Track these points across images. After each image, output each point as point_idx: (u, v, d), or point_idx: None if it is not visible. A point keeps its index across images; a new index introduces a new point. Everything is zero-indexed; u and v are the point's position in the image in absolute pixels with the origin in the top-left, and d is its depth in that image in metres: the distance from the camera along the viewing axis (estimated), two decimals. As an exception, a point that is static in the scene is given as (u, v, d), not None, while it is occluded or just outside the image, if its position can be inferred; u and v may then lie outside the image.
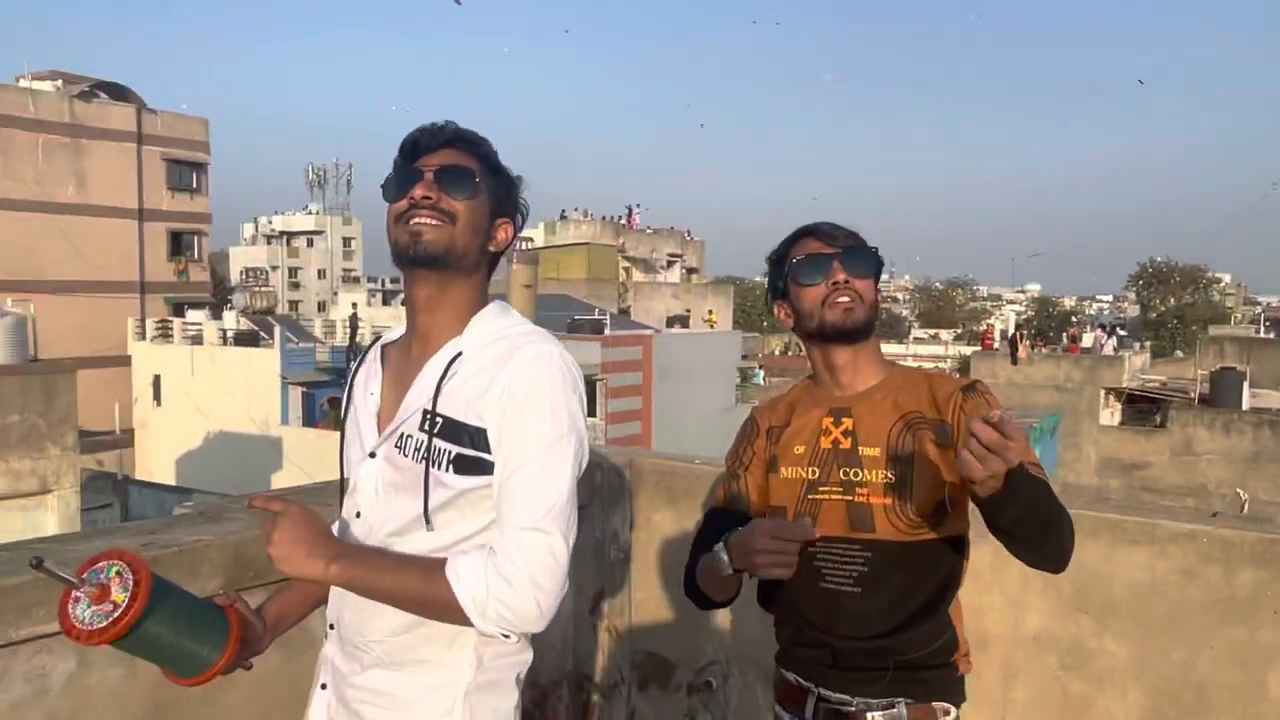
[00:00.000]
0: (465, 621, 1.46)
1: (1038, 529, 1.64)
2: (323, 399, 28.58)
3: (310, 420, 27.83)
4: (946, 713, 1.80)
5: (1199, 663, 2.37)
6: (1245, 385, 26.87)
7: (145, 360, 30.33)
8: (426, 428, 1.54)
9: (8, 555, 2.09)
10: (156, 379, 29.97)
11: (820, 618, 1.82)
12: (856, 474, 1.80)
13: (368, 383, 1.70)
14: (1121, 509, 2.55)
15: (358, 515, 1.63)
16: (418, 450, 1.55)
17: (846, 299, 1.81)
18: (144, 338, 30.74)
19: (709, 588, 1.90)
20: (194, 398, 28.31)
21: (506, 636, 1.49)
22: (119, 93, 35.44)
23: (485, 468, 1.52)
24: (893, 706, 1.78)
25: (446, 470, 1.53)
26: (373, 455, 1.62)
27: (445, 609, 1.47)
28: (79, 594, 1.39)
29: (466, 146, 1.61)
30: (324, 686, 1.69)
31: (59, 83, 34.20)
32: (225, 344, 29.67)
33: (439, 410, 1.54)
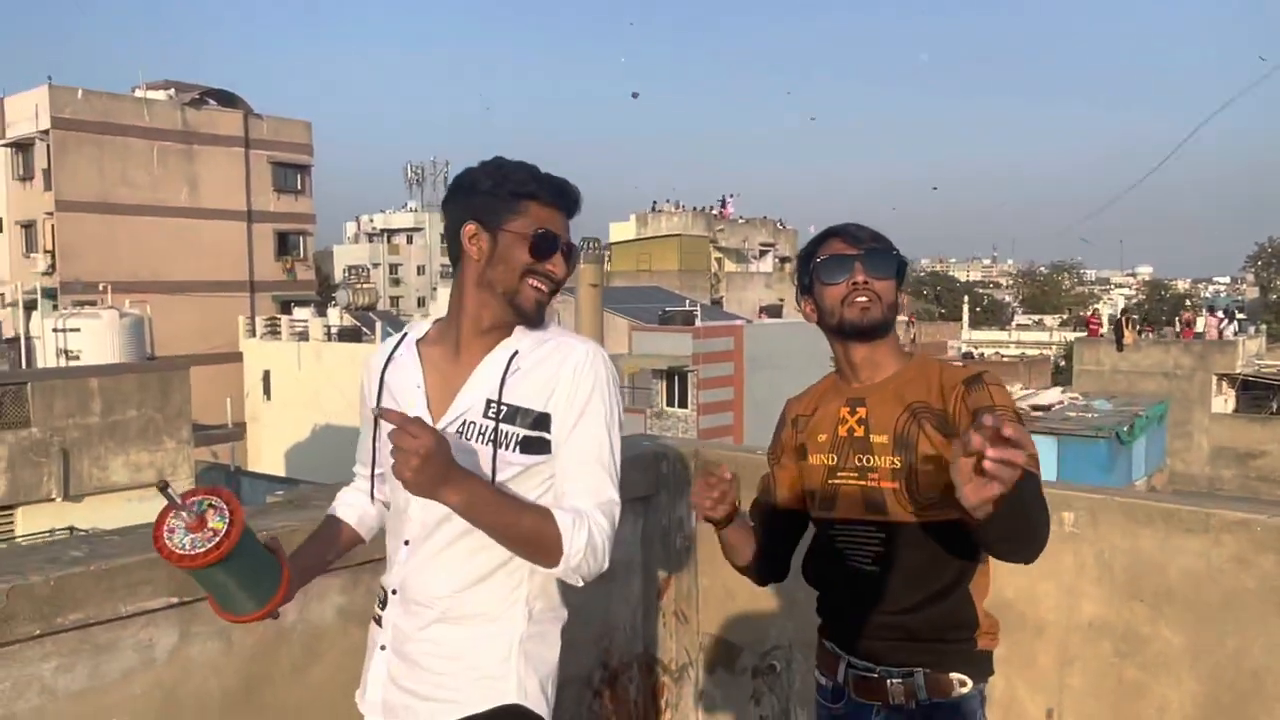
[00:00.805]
0: (553, 562, 1.69)
1: (1026, 537, 1.72)
2: (422, 392, 29.15)
3: (410, 413, 28.43)
4: (963, 684, 1.90)
5: (1254, 650, 2.37)
6: (1371, 369, 25.50)
7: (255, 356, 31.48)
8: (492, 414, 1.76)
9: (119, 539, 2.32)
10: (266, 374, 31.09)
11: (847, 593, 1.98)
12: (869, 460, 1.93)
13: (410, 377, 1.87)
14: (1177, 498, 2.56)
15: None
16: (482, 435, 1.76)
17: (865, 299, 1.92)
18: (254, 335, 31.92)
19: (728, 555, 2.13)
20: (301, 392, 29.27)
21: (577, 580, 1.73)
22: (227, 99, 36.91)
23: (545, 447, 1.76)
24: (911, 675, 1.90)
25: (513, 450, 1.75)
26: None
27: (547, 550, 1.68)
28: (175, 523, 1.48)
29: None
30: (383, 648, 1.87)
31: (171, 91, 35.75)
32: (330, 340, 30.56)
33: (505, 400, 1.76)
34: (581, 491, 1.75)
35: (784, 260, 52.96)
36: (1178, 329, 33.31)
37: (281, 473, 26.81)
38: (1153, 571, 2.50)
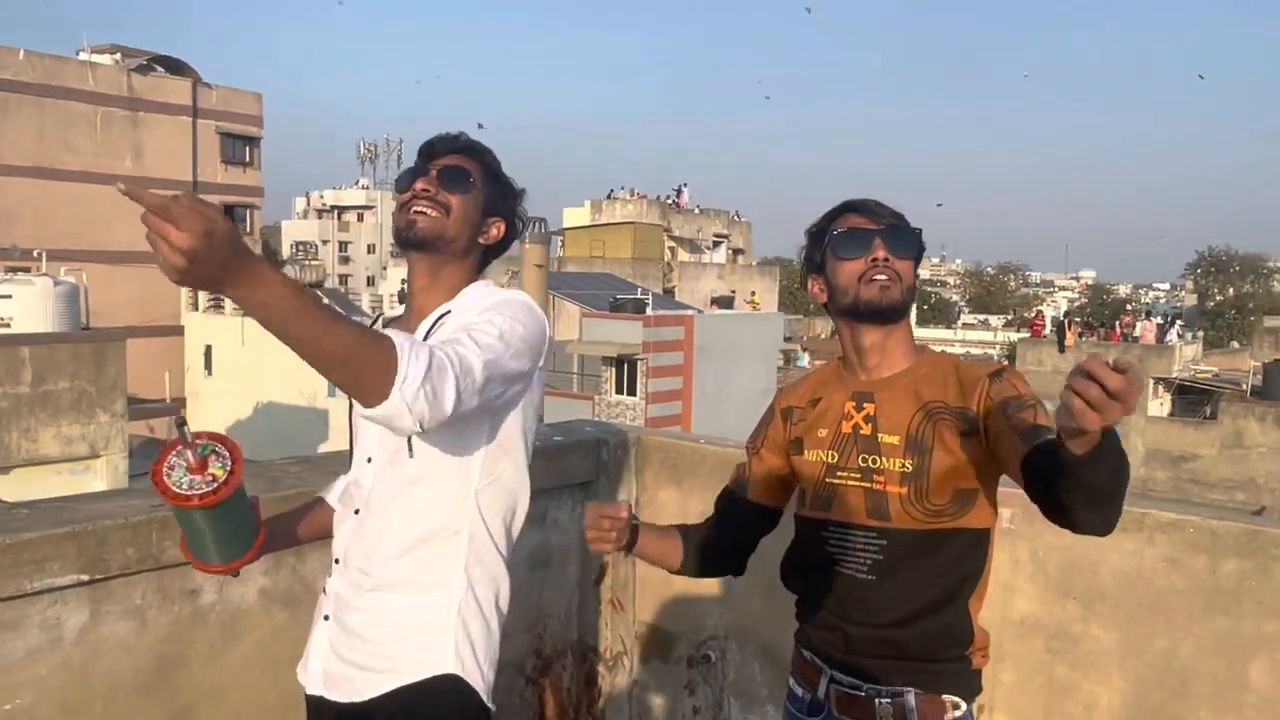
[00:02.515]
0: (384, 387, 1.40)
1: (1118, 487, 1.48)
2: (368, 372, 28.88)
3: (356, 393, 28.15)
4: (956, 706, 1.78)
5: (1182, 651, 2.39)
6: (1300, 378, 26.25)
7: (197, 330, 30.95)
8: None
9: (27, 512, 2.21)
10: (208, 349, 30.58)
11: (835, 602, 1.82)
12: (875, 461, 1.77)
13: None
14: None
15: (369, 460, 1.82)
16: None
17: (884, 277, 1.75)
18: (196, 308, 31.36)
19: (657, 565, 2.05)
20: (244, 368, 28.83)
21: (421, 428, 1.47)
22: (175, 67, 36.02)
23: None
24: (901, 695, 1.76)
25: None
26: None
27: (375, 370, 1.40)
28: (177, 460, 1.47)
29: (472, 154, 1.87)
30: (326, 618, 1.85)
31: (117, 56, 34.80)
32: (275, 316, 30.06)
33: None
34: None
35: (737, 252, 53.16)
36: (1120, 332, 34.03)
37: (221, 450, 26.33)
38: (1086, 570, 2.51)
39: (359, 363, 1.39)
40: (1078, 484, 1.46)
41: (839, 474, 1.81)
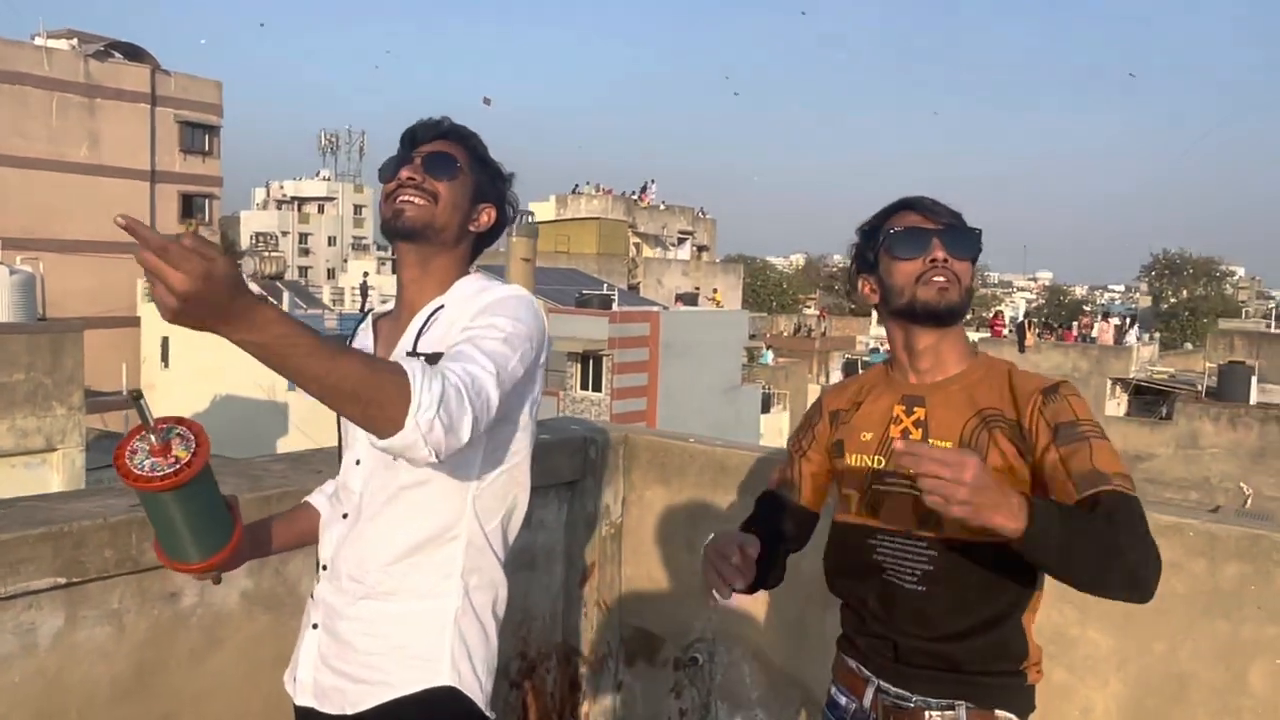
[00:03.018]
0: (397, 417, 1.35)
1: (1087, 565, 1.51)
2: (330, 366, 28.57)
3: (317, 387, 27.82)
4: None
5: (1180, 655, 2.37)
6: (1254, 380, 26.76)
7: (154, 322, 30.41)
8: None
9: (1, 512, 2.11)
10: (165, 341, 30.09)
11: (883, 611, 1.76)
12: None
13: (360, 347, 1.81)
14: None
15: (357, 463, 1.75)
16: None
17: (943, 278, 1.70)
18: (153, 299, 30.81)
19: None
20: (202, 361, 28.37)
21: (437, 458, 1.41)
22: (134, 53, 35.33)
23: None
24: (952, 709, 1.71)
25: None
26: None
27: (388, 400, 1.35)
28: (140, 444, 1.43)
29: (456, 139, 1.80)
30: (315, 626, 1.77)
31: (74, 41, 34.06)
32: (234, 308, 29.64)
33: (419, 351, 1.67)
34: (454, 360, 1.52)
35: (702, 249, 53.20)
36: (1078, 333, 34.51)
37: (178, 443, 25.91)
38: (1084, 573, 2.49)
39: (369, 396, 1.35)
40: (1040, 567, 1.58)
41: (887, 480, 1.75)
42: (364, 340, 1.85)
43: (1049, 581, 2.49)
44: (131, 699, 2.17)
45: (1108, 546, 1.50)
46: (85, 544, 2.02)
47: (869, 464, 1.78)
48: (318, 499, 1.92)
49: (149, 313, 30.54)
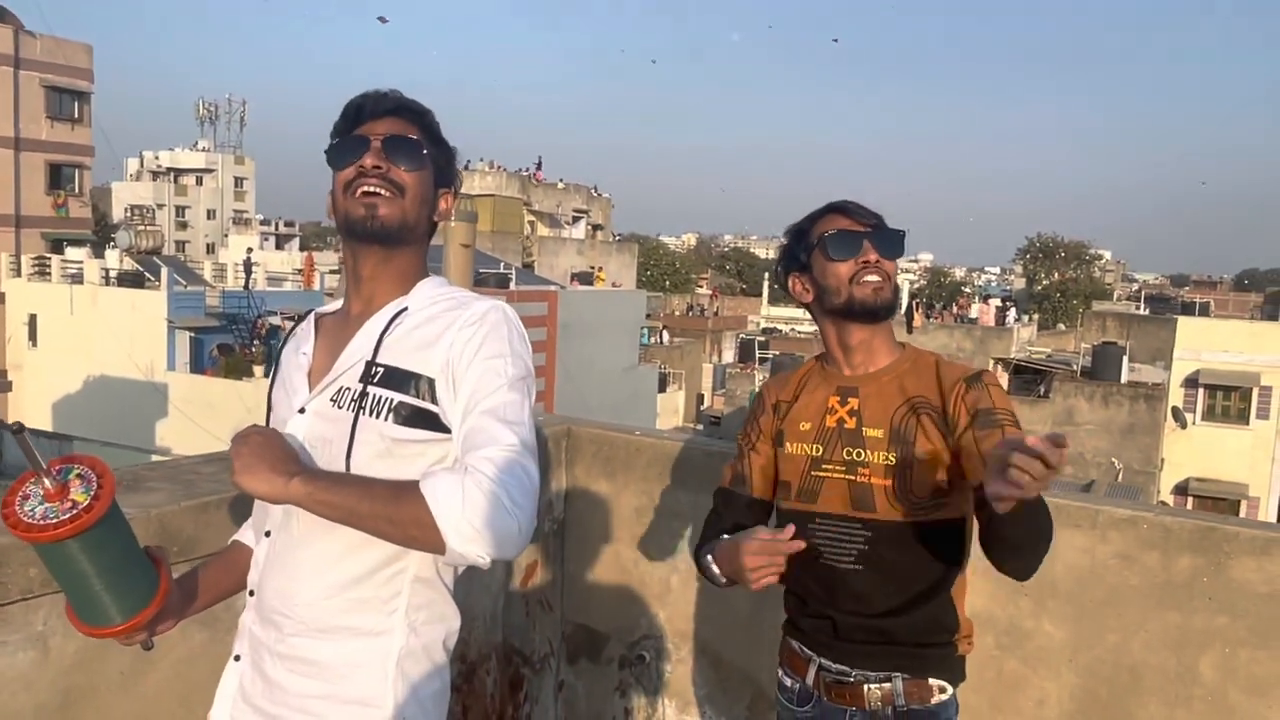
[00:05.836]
0: (437, 542, 1.36)
1: (1037, 543, 1.69)
2: (212, 345, 27.57)
3: (198, 367, 26.83)
4: (943, 690, 1.84)
5: (1133, 645, 2.42)
6: (1125, 360, 28.12)
7: (20, 298, 28.80)
8: (365, 378, 1.51)
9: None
10: (32, 319, 28.52)
11: (822, 592, 1.87)
12: (859, 454, 1.83)
13: (299, 346, 1.65)
14: (1066, 493, 2.58)
15: None
16: (354, 401, 1.51)
17: (877, 278, 1.82)
18: (19, 274, 29.14)
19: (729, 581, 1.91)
20: (73, 339, 27.01)
21: (482, 559, 1.38)
22: (-6, 12, 33.18)
23: (429, 421, 1.49)
24: (889, 680, 1.83)
25: (385, 419, 1.49)
26: (302, 411, 1.56)
27: (417, 527, 1.37)
28: (32, 489, 1.26)
29: (411, 116, 1.60)
30: (237, 658, 1.61)
31: (-74, -3, 31.83)
32: (108, 284, 28.34)
33: (380, 360, 1.51)
34: (481, 448, 1.42)
35: (597, 227, 53.00)
36: (956, 313, 35.65)
37: (49, 427, 24.65)
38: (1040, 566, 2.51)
39: (406, 524, 1.38)
40: (1000, 538, 1.67)
41: (824, 466, 1.86)
42: (305, 336, 1.66)
43: (1000, 577, 2.52)
44: (56, 728, 1.99)
45: (1045, 527, 1.68)
46: (8, 563, 1.82)
47: (807, 451, 1.89)
48: (247, 535, 1.72)
49: (15, 289, 28.90)
